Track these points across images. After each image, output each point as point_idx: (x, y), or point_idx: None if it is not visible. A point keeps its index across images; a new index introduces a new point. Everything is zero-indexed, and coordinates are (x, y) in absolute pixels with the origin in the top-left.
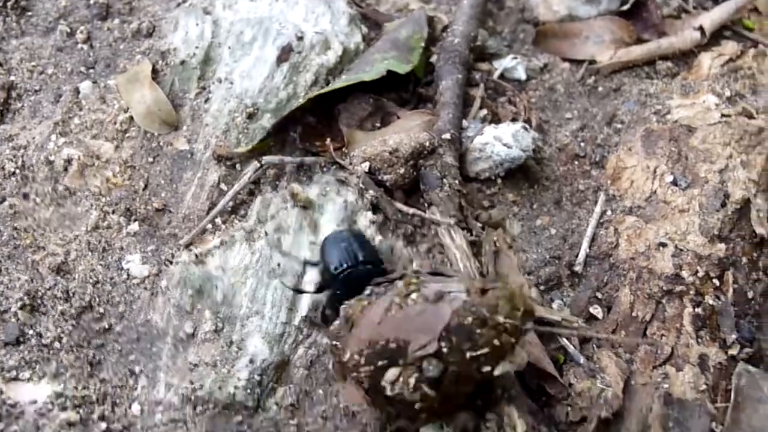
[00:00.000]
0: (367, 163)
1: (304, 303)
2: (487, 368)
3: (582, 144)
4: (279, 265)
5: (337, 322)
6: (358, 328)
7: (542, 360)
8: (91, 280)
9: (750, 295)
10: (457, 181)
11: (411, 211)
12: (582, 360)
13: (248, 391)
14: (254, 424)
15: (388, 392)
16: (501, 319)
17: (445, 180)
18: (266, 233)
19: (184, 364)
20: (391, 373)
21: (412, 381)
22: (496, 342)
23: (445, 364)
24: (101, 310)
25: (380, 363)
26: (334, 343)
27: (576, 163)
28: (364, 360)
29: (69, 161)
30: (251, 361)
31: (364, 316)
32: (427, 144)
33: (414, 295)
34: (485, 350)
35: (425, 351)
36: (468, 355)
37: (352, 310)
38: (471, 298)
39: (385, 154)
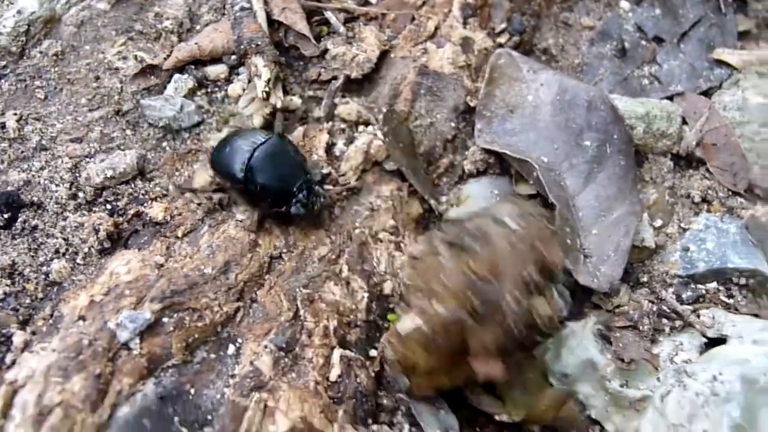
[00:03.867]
0: None
1: None
2: None
3: None
4: None
5: None
6: None
7: (297, 23)
8: None
9: None
10: None
11: None
12: (342, 29)
13: (13, 38)
14: (18, 69)
15: None
16: None
17: None
18: None
19: None
20: None
21: None
22: None
23: None
24: None
25: None
26: None
27: None
28: None
29: None
30: (19, 12)
31: None
32: None
33: None
34: None
35: None
36: None
37: None
38: None
39: None
